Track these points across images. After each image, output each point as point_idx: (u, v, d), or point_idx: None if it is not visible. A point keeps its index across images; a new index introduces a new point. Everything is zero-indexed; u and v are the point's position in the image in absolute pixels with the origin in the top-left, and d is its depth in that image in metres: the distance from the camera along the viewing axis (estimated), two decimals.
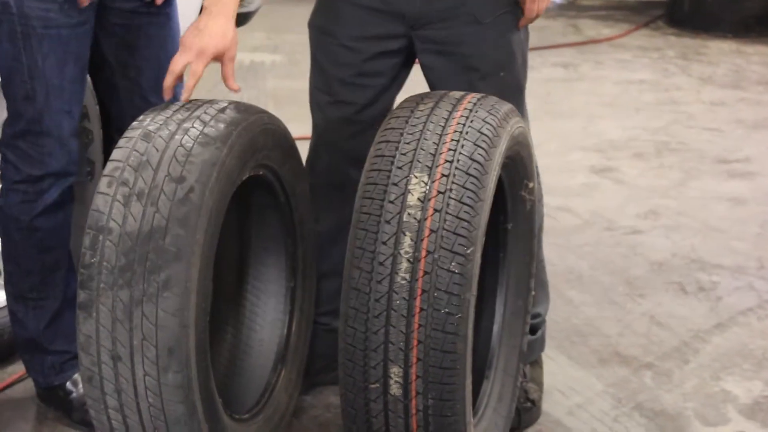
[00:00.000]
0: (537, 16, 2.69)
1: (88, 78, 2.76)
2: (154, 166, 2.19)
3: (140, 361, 2.14)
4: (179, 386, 2.14)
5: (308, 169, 2.80)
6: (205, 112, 2.29)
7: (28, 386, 2.95)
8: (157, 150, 2.20)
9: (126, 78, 2.74)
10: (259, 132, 2.37)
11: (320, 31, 2.77)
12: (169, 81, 2.40)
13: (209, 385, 2.24)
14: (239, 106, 2.35)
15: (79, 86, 2.63)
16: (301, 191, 2.68)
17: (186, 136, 2.22)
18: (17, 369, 3.02)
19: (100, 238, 2.16)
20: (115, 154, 2.23)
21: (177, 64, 2.40)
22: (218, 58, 2.42)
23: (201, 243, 2.15)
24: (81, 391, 2.80)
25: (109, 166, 2.22)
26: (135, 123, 2.29)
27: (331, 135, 2.79)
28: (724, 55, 6.85)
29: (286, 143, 2.55)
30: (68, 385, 2.82)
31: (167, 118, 2.28)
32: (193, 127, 2.24)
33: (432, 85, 2.74)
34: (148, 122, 2.28)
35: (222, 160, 2.21)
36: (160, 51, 2.72)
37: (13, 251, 2.71)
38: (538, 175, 2.77)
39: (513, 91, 2.65)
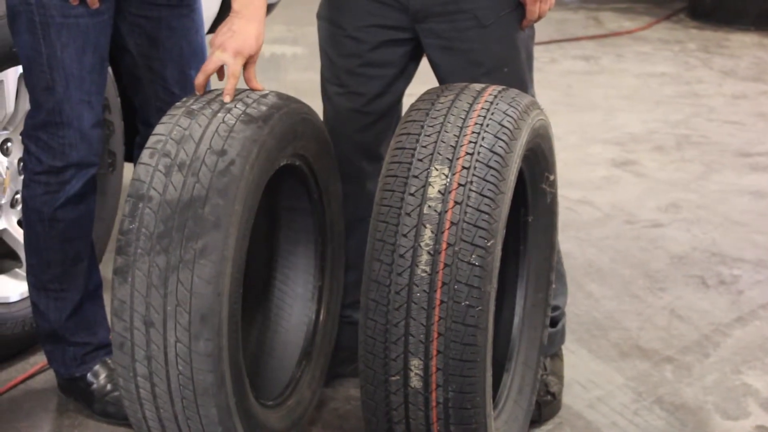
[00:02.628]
0: (540, 18, 2.69)
1: (110, 70, 2.75)
2: (197, 139, 2.24)
3: (173, 327, 2.17)
4: (209, 355, 2.16)
5: None
6: (248, 96, 2.36)
7: (49, 377, 2.97)
8: (200, 126, 2.27)
9: (149, 70, 2.74)
10: (300, 120, 2.42)
11: (328, 22, 2.78)
12: (201, 79, 2.40)
13: (238, 358, 2.26)
14: (281, 95, 2.41)
15: (98, 76, 2.63)
16: (333, 191, 2.70)
17: (229, 114, 2.28)
18: (39, 360, 3.04)
19: (140, 205, 2.20)
20: (158, 128, 2.29)
21: (211, 63, 2.40)
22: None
23: (239, 214, 2.19)
24: (102, 382, 2.81)
25: (152, 139, 2.27)
26: (179, 103, 2.36)
27: (341, 126, 2.79)
28: (746, 48, 6.81)
29: (323, 138, 2.60)
30: (89, 376, 2.82)
31: (211, 99, 2.34)
32: (236, 107, 2.30)
33: (441, 82, 2.74)
34: (191, 102, 2.35)
35: (263, 139, 2.27)
36: (183, 43, 2.72)
37: (35, 242, 2.72)
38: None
39: (516, 87, 2.64)
